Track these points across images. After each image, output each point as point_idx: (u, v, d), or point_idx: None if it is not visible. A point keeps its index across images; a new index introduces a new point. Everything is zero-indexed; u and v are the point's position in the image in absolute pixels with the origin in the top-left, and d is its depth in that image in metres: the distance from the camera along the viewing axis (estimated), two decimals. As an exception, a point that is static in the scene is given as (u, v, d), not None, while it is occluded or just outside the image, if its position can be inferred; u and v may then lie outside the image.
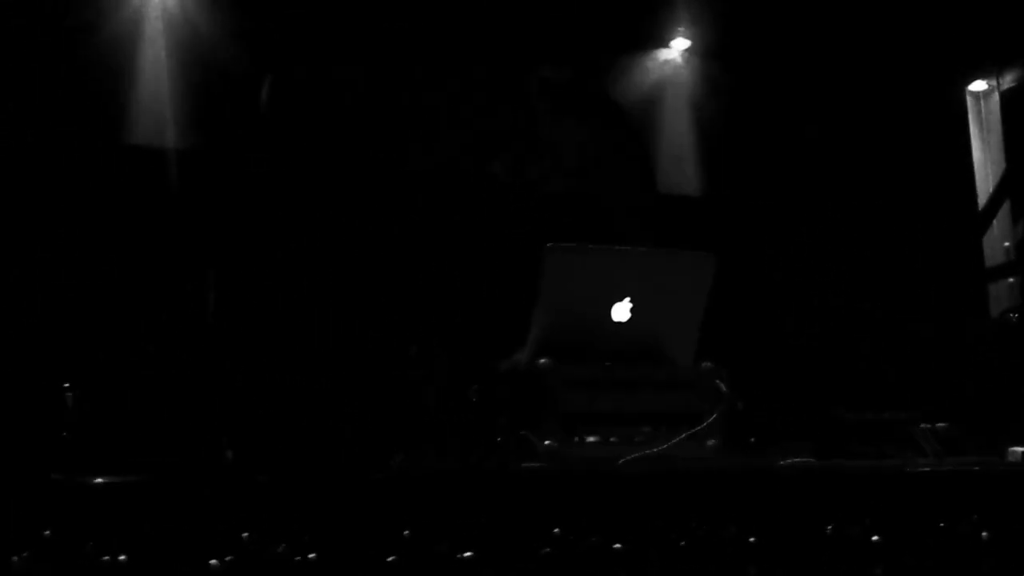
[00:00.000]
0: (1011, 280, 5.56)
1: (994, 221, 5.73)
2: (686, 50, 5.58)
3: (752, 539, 1.64)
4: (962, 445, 2.44)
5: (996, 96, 5.86)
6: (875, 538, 1.69)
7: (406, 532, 1.55)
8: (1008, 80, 5.79)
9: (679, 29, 5.53)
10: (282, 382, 4.29)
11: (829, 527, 1.70)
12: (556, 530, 1.61)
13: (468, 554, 1.58)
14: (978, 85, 5.86)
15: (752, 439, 2.61)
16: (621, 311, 2.35)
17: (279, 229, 4.69)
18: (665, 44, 5.58)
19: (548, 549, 1.60)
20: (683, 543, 1.62)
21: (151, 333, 4.40)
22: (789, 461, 2.01)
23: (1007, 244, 5.67)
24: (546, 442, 2.15)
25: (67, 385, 3.24)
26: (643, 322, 2.36)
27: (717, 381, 2.36)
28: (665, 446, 2.21)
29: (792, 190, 5.35)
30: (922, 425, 2.46)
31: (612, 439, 2.23)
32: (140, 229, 4.56)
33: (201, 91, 4.78)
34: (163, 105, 4.79)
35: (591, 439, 2.25)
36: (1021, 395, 2.62)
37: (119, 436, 3.37)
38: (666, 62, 5.59)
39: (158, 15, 4.81)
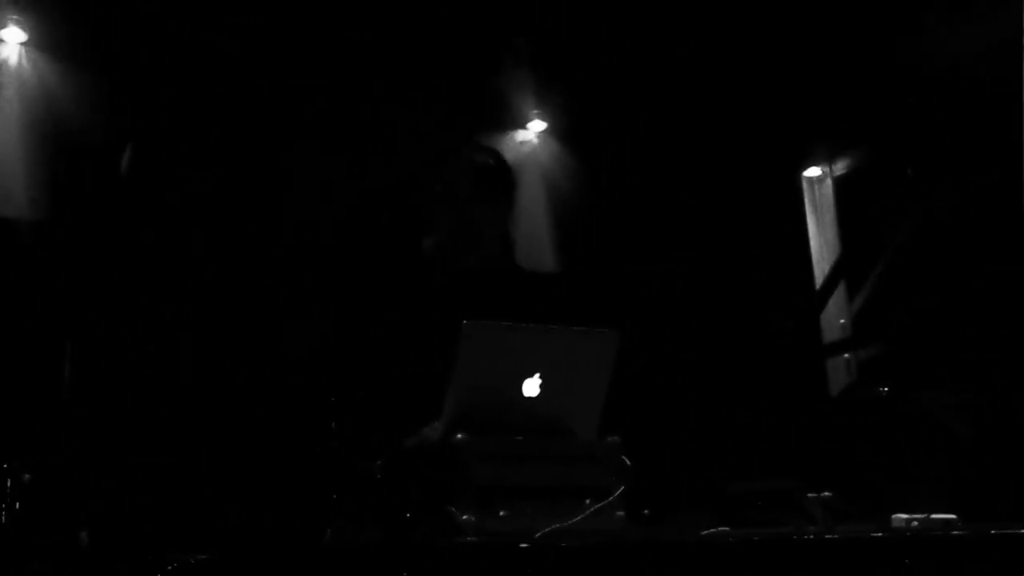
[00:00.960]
0: (847, 356, 5.87)
1: (830, 300, 6.05)
2: (543, 131, 5.75)
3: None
4: (847, 513, 2.58)
5: (829, 182, 6.23)
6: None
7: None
8: (840, 167, 6.17)
9: (535, 112, 5.71)
10: (150, 458, 4.18)
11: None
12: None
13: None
14: (813, 171, 6.22)
15: (645, 511, 2.68)
16: (531, 387, 2.40)
17: (140, 298, 4.59)
18: (523, 125, 5.74)
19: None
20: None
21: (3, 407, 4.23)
22: (710, 531, 2.08)
23: (843, 321, 5.99)
24: (464, 516, 2.17)
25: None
26: (552, 397, 2.41)
27: (622, 456, 2.43)
28: (579, 518, 2.26)
29: (645, 266, 5.54)
30: (809, 494, 2.59)
31: (528, 512, 2.26)
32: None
33: (57, 160, 4.67)
34: (16, 174, 4.65)
35: (502, 513, 2.28)
36: (899, 465, 2.78)
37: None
38: (524, 143, 5.75)
39: (12, 83, 4.69)
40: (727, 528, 2.13)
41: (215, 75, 4.83)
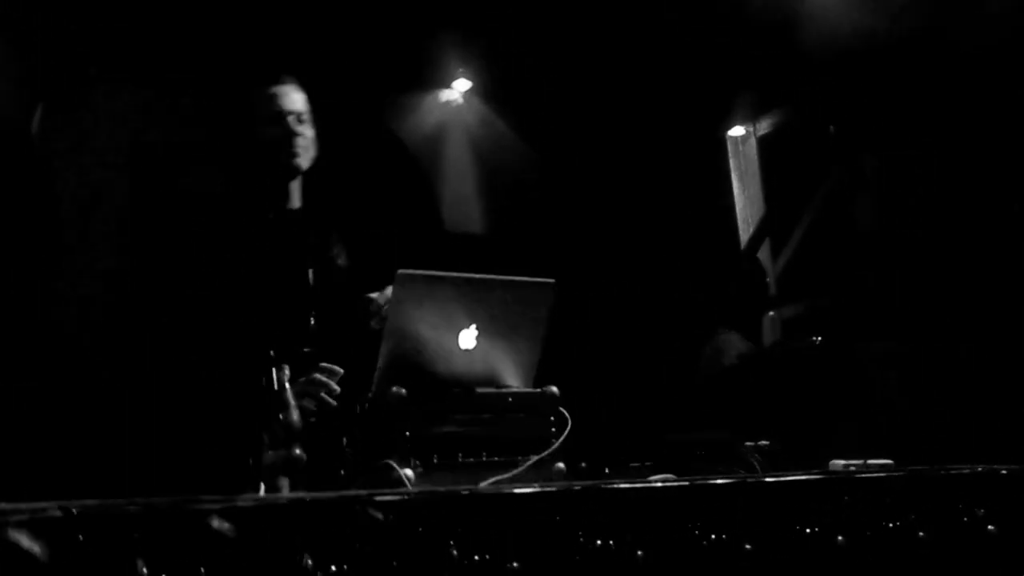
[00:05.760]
0: (772, 313, 5.92)
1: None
2: (467, 91, 5.68)
3: (640, 552, 1.68)
4: (784, 461, 2.58)
5: (753, 141, 6.25)
6: (747, 546, 1.77)
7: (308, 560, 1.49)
8: (764, 126, 6.19)
9: (460, 70, 5.63)
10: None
11: (705, 540, 1.76)
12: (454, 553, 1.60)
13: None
14: (737, 130, 6.23)
15: (583, 464, 2.65)
16: (467, 338, 2.36)
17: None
18: (447, 85, 5.66)
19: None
20: (577, 557, 1.64)
21: None
22: (659, 477, 2.07)
23: (768, 279, 6.03)
24: (407, 471, 2.13)
25: None
26: (487, 349, 2.37)
27: (560, 407, 2.40)
28: (520, 469, 2.23)
29: (576, 225, 5.52)
30: (747, 443, 2.59)
31: (467, 465, 2.23)
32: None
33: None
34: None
35: (439, 465, 2.24)
36: (831, 413, 2.80)
37: None
38: (448, 103, 5.68)
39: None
40: (672, 476, 2.12)
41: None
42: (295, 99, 3.05)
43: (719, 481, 1.88)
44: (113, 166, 4.37)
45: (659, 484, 1.85)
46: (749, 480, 1.97)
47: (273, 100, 3.03)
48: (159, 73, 4.58)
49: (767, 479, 2.00)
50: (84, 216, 4.33)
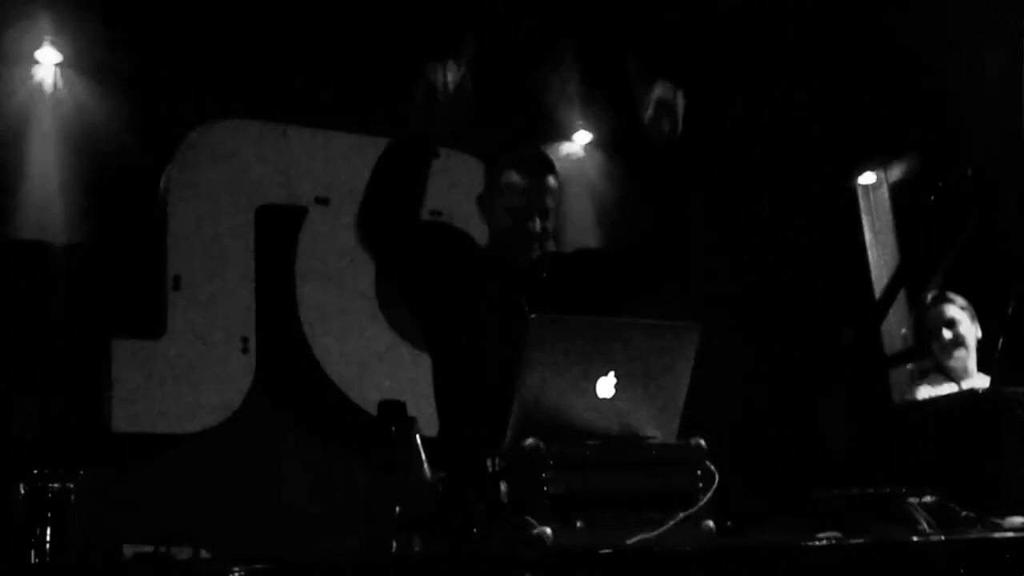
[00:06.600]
0: (910, 367, 5.64)
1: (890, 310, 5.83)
2: (588, 143, 5.62)
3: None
4: (952, 517, 2.37)
5: (885, 188, 6.04)
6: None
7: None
8: (896, 172, 5.98)
9: (579, 123, 5.58)
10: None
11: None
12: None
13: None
14: (868, 178, 6.03)
15: (728, 522, 2.48)
16: (605, 386, 2.22)
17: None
18: (568, 137, 5.61)
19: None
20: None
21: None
22: (825, 535, 1.89)
23: (904, 331, 5.77)
24: (546, 528, 1.99)
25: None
26: (628, 397, 2.23)
27: (707, 462, 2.24)
28: (665, 528, 2.07)
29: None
30: (910, 499, 2.38)
31: (607, 522, 2.08)
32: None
33: (95, 184, 4.57)
34: (53, 198, 4.55)
35: (580, 524, 2.10)
36: (1000, 466, 2.58)
37: None
38: (569, 155, 5.62)
39: (48, 105, 4.59)
40: (839, 534, 1.94)
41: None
42: None
43: (901, 539, 1.70)
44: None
45: (825, 543, 1.68)
46: (932, 539, 1.78)
47: None
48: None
49: (947, 537, 1.81)
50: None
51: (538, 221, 2.82)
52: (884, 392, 5.60)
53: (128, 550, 3.85)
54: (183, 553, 4.00)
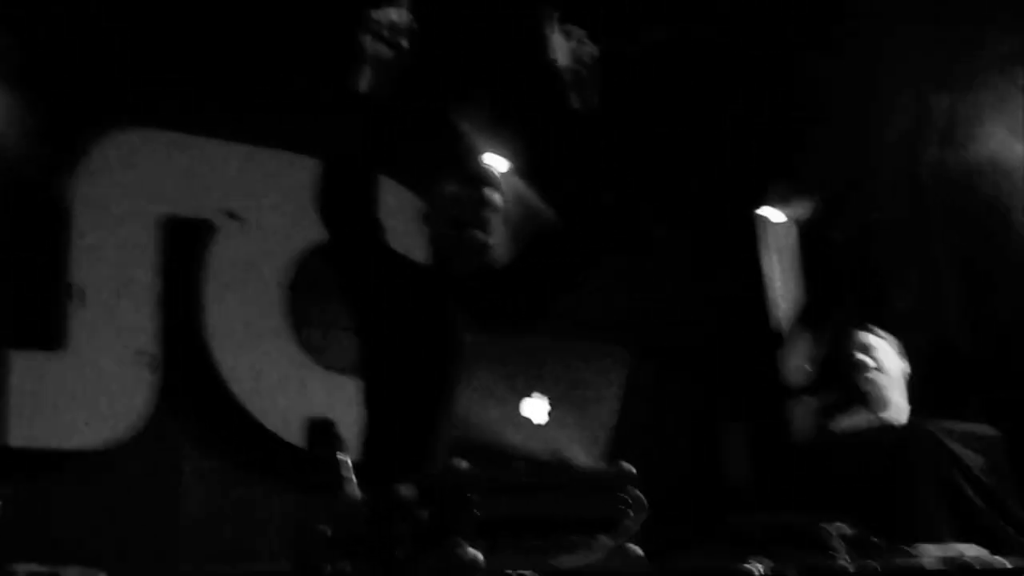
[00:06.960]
0: (813, 399, 5.76)
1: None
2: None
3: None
4: (867, 546, 2.42)
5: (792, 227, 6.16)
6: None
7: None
8: (801, 213, 6.10)
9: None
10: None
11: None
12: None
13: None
14: (775, 215, 6.15)
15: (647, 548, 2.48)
16: (534, 408, 2.21)
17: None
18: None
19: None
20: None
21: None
22: (758, 564, 1.90)
23: (806, 366, 5.89)
24: (479, 553, 1.97)
25: None
26: (555, 419, 2.23)
27: (633, 488, 2.24)
28: (600, 554, 2.07)
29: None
30: (827, 527, 2.42)
31: (536, 546, 2.07)
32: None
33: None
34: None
35: (508, 548, 2.08)
36: (909, 496, 2.65)
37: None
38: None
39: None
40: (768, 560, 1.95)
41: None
42: None
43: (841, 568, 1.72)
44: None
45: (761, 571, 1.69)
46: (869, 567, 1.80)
47: None
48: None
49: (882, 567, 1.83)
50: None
51: (478, 233, 2.84)
52: (785, 424, 5.71)
53: (21, 569, 3.73)
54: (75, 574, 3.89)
